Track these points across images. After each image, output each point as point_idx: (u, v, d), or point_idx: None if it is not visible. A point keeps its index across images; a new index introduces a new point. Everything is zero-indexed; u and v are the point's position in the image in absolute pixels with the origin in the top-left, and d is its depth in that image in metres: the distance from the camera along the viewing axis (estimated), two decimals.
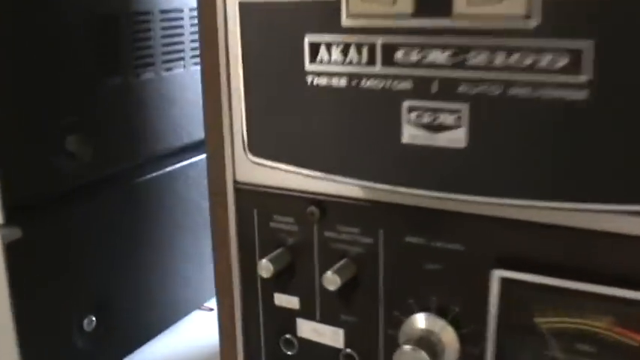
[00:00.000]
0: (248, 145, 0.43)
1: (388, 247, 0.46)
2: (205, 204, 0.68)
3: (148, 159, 0.62)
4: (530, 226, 0.42)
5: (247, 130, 0.43)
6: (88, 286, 0.58)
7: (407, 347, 0.44)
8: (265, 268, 0.49)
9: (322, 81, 0.41)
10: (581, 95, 0.35)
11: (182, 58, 0.65)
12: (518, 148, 0.37)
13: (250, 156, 0.43)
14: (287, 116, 0.42)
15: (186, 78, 0.65)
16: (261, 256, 0.50)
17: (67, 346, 0.57)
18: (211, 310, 0.74)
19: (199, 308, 0.73)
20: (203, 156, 0.67)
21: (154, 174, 0.63)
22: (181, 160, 0.66)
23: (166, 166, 0.64)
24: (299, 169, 0.42)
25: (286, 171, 0.42)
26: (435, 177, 0.39)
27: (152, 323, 0.65)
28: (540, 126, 0.36)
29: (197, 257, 0.68)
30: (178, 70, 0.64)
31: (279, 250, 0.50)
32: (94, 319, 0.59)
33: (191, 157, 0.67)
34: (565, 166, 0.37)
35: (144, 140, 0.61)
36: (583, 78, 0.35)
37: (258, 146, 0.43)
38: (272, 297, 0.51)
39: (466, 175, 0.38)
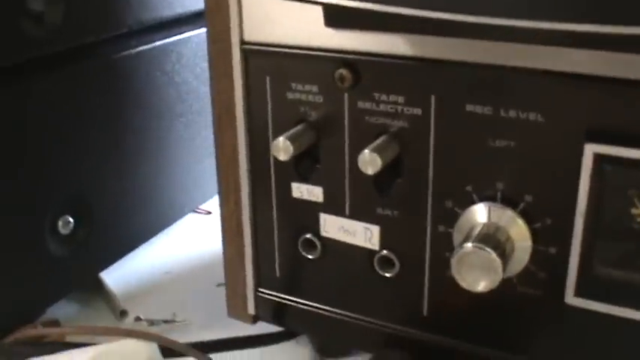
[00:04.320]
0: None
1: (442, 118, 0.36)
2: (202, 88, 0.57)
3: (132, 29, 0.50)
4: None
5: None
6: (63, 179, 0.47)
7: (469, 245, 0.34)
8: (283, 148, 0.38)
9: None
10: None
11: None
12: None
13: None
14: None
15: None
16: (276, 136, 0.38)
17: (38, 250, 0.46)
18: (209, 213, 0.64)
19: (194, 211, 0.62)
20: (200, 30, 0.55)
21: (140, 48, 0.51)
22: (173, 34, 0.54)
23: (155, 40, 0.53)
24: None
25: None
26: None
27: (140, 227, 0.55)
28: None
29: (191, 150, 0.57)
30: None
31: (299, 127, 0.39)
32: (71, 220, 0.49)
33: (185, 31, 0.55)
34: None
35: (128, 6, 0.49)
36: None
37: None
38: (289, 188, 0.40)
39: None
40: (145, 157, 0.53)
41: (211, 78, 0.42)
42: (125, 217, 0.53)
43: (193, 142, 0.57)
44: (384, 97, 0.37)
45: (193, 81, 0.56)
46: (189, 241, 0.61)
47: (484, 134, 0.35)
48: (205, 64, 0.56)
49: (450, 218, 0.37)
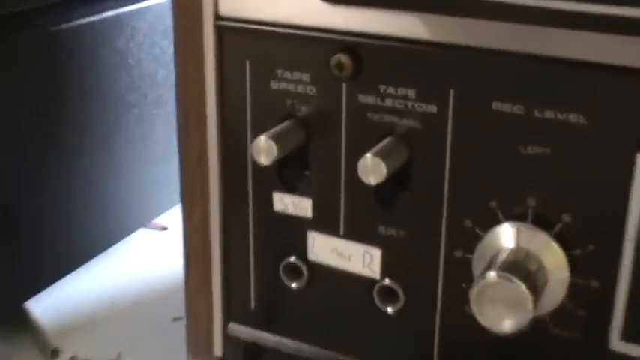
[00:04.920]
0: None
1: (463, 118, 0.37)
2: (162, 72, 0.57)
3: None
4: None
5: None
6: None
7: (492, 274, 0.34)
8: (265, 149, 0.39)
9: None
10: None
11: None
12: None
13: None
14: None
15: None
16: (256, 135, 0.39)
17: None
18: (165, 229, 0.64)
19: (146, 226, 0.63)
20: (160, 0, 0.56)
21: (86, 19, 0.51)
22: (127, 4, 0.55)
23: (105, 10, 0.53)
24: None
25: None
26: None
27: (78, 245, 0.55)
28: None
29: (145, 150, 0.57)
30: None
31: (285, 124, 0.40)
32: None
33: (142, 0, 0.55)
34: None
35: None
36: None
37: None
38: (270, 199, 0.41)
39: None
40: (87, 158, 0.54)
41: (176, 61, 0.43)
42: (60, 232, 0.53)
43: (148, 140, 0.58)
44: (391, 90, 0.38)
45: (151, 63, 0.57)
46: (139, 263, 0.61)
47: (513, 139, 0.36)
48: (166, 43, 0.57)
49: (469, 241, 0.38)
